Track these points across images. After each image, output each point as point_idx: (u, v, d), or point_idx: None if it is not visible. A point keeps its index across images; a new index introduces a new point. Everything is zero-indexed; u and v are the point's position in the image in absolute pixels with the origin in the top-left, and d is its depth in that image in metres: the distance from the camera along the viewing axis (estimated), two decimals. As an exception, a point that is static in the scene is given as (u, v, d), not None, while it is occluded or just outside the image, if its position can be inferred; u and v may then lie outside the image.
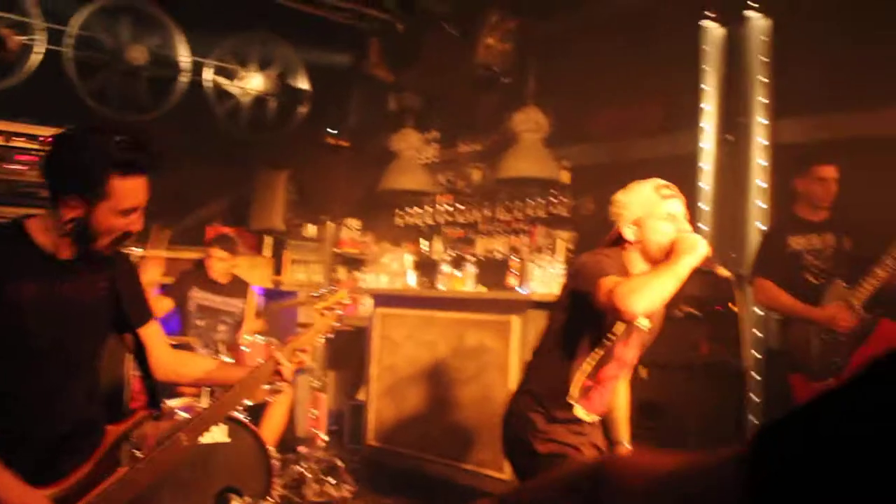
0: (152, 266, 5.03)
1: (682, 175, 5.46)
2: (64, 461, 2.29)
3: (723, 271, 2.82)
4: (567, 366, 2.85)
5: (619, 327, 2.81)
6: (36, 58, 5.93)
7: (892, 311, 4.15)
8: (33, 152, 3.49)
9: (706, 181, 5.64)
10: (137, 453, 2.41)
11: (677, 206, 2.85)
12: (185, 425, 2.46)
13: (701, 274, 3.89)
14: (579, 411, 2.86)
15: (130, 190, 2.24)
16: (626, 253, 2.88)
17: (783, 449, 0.65)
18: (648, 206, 2.83)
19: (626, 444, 3.16)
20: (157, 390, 2.46)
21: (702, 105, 5.71)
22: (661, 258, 2.76)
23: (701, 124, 5.70)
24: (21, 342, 2.25)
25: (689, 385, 4.60)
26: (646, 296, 2.53)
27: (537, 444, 2.81)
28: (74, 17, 6.16)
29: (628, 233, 2.86)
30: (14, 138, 3.41)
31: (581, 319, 2.83)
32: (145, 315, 2.61)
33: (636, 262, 2.86)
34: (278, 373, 2.59)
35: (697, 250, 2.66)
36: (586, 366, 2.84)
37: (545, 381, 2.91)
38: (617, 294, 2.53)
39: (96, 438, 2.33)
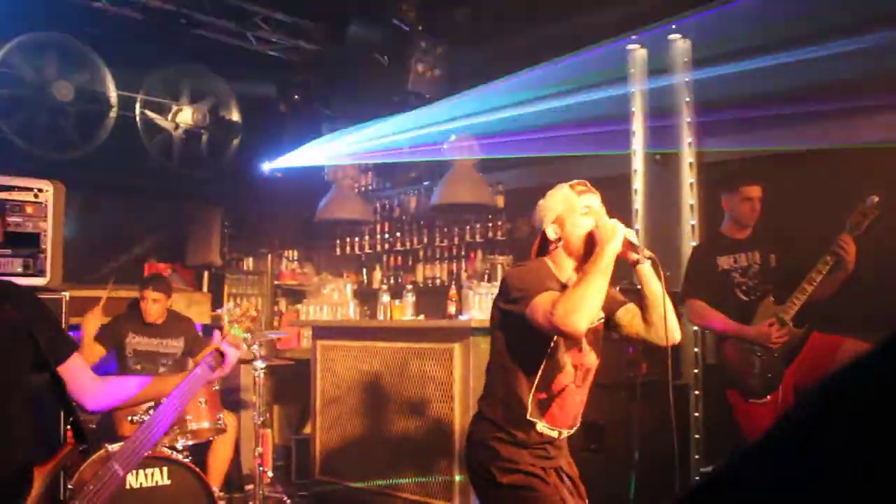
0: (92, 317, 5.03)
1: (616, 196, 5.57)
2: None
3: (645, 252, 2.83)
4: (516, 384, 2.83)
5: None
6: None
7: (820, 324, 4.27)
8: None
9: (639, 202, 5.75)
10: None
11: (593, 199, 2.90)
12: (118, 455, 2.42)
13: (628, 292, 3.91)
14: (542, 427, 2.82)
15: None
16: (552, 257, 2.92)
17: None
18: (566, 203, 2.89)
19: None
20: (82, 425, 2.43)
21: (631, 127, 5.83)
22: (584, 251, 2.80)
23: (631, 146, 5.82)
24: None
25: (630, 405, 4.66)
26: (585, 310, 2.56)
27: (500, 475, 2.78)
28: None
29: (550, 232, 2.91)
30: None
31: (516, 334, 2.83)
32: (65, 350, 2.59)
33: (563, 261, 2.89)
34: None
35: (617, 235, 2.70)
36: (537, 380, 2.82)
37: (499, 405, 2.89)
38: (557, 319, 2.55)
39: (28, 482, 2.28)
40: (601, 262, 2.66)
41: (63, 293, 3.64)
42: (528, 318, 2.70)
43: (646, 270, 2.88)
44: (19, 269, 3.54)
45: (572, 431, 2.97)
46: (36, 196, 3.52)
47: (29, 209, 3.48)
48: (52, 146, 6.25)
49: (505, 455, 2.81)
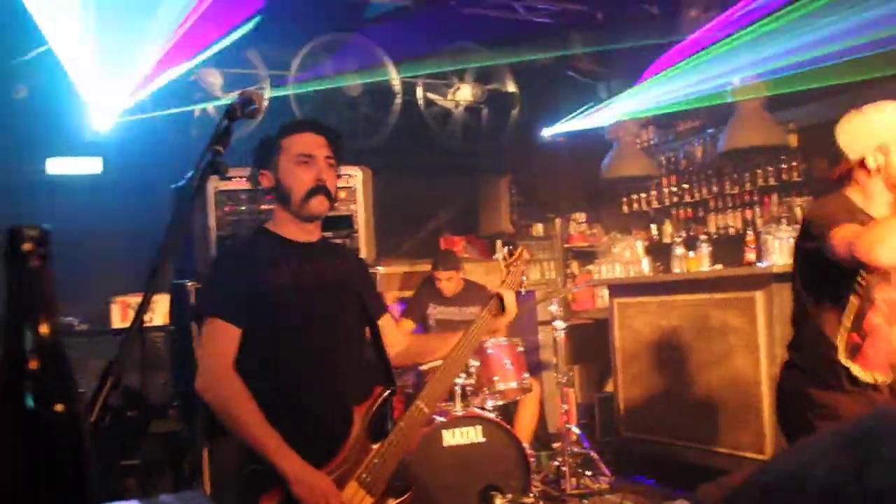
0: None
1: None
2: (326, 443, 2.44)
3: None
4: (824, 325, 2.69)
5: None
6: (264, 104, 6.36)
7: None
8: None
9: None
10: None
11: None
12: (421, 394, 2.57)
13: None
14: (857, 371, 2.65)
15: (298, 141, 2.62)
16: (862, 187, 2.71)
17: None
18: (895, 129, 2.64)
19: None
20: (391, 369, 2.66)
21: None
22: None
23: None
24: (278, 321, 2.52)
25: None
26: (891, 243, 2.37)
27: (818, 422, 2.65)
28: (292, 60, 6.57)
29: (871, 161, 2.65)
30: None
31: (820, 272, 2.68)
32: (381, 307, 2.86)
33: (878, 194, 2.68)
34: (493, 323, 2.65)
35: None
36: (845, 320, 2.65)
37: (809, 350, 2.77)
38: (859, 248, 2.39)
39: (350, 421, 2.48)
40: None
41: (378, 268, 3.94)
42: (828, 251, 2.53)
43: None
44: (337, 249, 3.89)
45: (892, 380, 2.73)
46: (346, 181, 3.82)
47: (342, 193, 3.79)
48: (347, 137, 6.71)
49: (821, 402, 2.67)
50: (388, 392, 2.54)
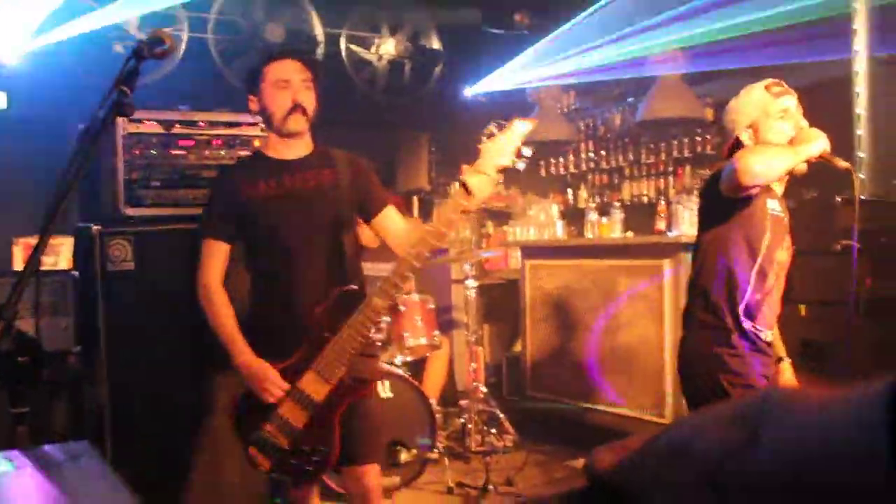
0: None
1: (836, 101, 5.22)
2: (293, 337, 2.80)
3: (840, 162, 2.76)
4: (733, 284, 2.79)
5: (766, 227, 2.78)
6: (181, 47, 6.17)
7: None
8: (193, 136, 3.70)
9: (861, 106, 5.35)
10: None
11: (790, 101, 2.82)
12: (376, 290, 2.73)
13: (851, 204, 3.70)
14: (747, 325, 2.78)
15: (277, 68, 2.93)
16: None
17: None
18: (761, 107, 2.81)
19: (787, 359, 3.08)
20: (346, 273, 2.97)
21: (853, 25, 5.40)
22: None
23: (853, 46, 5.40)
24: (256, 230, 2.90)
25: (853, 323, 4.43)
26: (762, 160, 2.58)
27: (732, 389, 2.73)
28: (213, 1, 6.35)
29: (745, 137, 2.84)
30: (176, 125, 3.61)
31: (730, 226, 2.80)
32: (379, 204, 3.05)
33: None
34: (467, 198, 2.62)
35: (817, 141, 2.69)
36: (751, 278, 2.79)
37: (714, 308, 2.83)
38: (736, 160, 2.58)
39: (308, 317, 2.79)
40: (795, 150, 2.67)
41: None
42: (722, 183, 2.70)
43: None
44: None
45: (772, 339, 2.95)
46: (263, 130, 3.75)
47: (256, 143, 3.72)
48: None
49: (733, 368, 2.77)
50: (342, 291, 2.80)
